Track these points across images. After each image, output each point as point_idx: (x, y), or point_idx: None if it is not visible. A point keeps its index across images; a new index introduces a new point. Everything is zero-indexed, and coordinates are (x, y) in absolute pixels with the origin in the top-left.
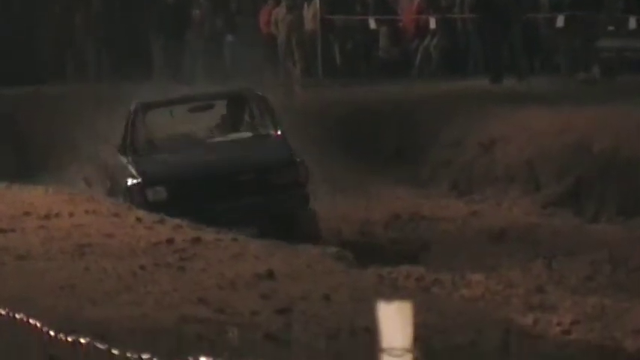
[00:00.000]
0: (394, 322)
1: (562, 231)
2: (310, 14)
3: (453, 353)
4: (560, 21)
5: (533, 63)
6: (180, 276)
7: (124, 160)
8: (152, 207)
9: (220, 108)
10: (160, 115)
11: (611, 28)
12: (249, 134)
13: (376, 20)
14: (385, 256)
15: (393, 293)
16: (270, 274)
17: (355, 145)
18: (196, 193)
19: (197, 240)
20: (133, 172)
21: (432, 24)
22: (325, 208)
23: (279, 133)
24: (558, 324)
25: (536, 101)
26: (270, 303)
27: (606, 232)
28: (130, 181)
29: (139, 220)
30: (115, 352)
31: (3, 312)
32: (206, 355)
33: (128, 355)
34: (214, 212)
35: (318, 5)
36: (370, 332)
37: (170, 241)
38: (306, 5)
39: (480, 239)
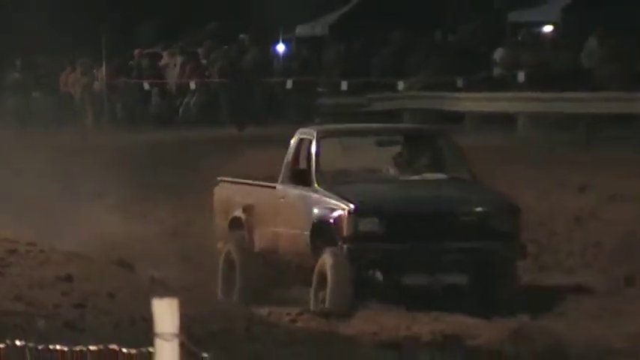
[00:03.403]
0: (165, 314)
1: None
2: (99, 78)
3: (210, 337)
4: (289, 84)
5: (270, 115)
6: (1, 280)
7: (305, 189)
8: (361, 239)
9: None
10: (332, 144)
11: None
12: (443, 175)
13: (149, 83)
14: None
15: (164, 292)
16: (69, 277)
17: (134, 176)
18: (413, 229)
19: (14, 251)
20: (338, 200)
21: (192, 85)
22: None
23: (474, 176)
24: (287, 314)
25: (272, 144)
26: (68, 299)
27: None
28: (334, 211)
29: None
30: None
31: None
32: (20, 339)
33: None
34: (429, 252)
35: (104, 71)
36: (146, 321)
37: None
38: (95, 71)
39: None
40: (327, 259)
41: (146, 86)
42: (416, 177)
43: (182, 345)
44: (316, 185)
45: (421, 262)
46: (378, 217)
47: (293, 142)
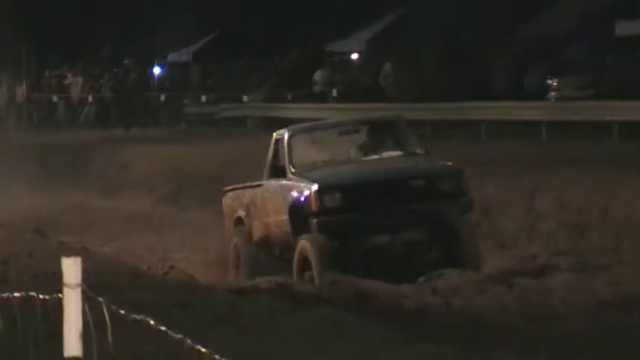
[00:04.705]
0: (70, 269)
1: (166, 215)
2: (20, 92)
3: (103, 286)
4: (162, 97)
5: (149, 120)
6: None
7: (282, 180)
8: (327, 213)
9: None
10: (304, 140)
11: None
12: (399, 152)
13: (57, 96)
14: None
15: (71, 253)
16: None
17: (46, 165)
18: (370, 198)
19: None
20: (306, 183)
21: (90, 99)
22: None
23: (428, 151)
24: (162, 268)
25: (151, 142)
26: None
27: (190, 215)
28: (303, 192)
29: None
30: None
31: None
32: None
33: None
34: (387, 216)
35: (24, 87)
36: (56, 275)
37: None
38: (17, 86)
39: (118, 220)
40: (308, 246)
41: (55, 99)
42: (375, 156)
43: (83, 292)
44: (290, 175)
45: (382, 224)
46: (339, 191)
47: (272, 143)
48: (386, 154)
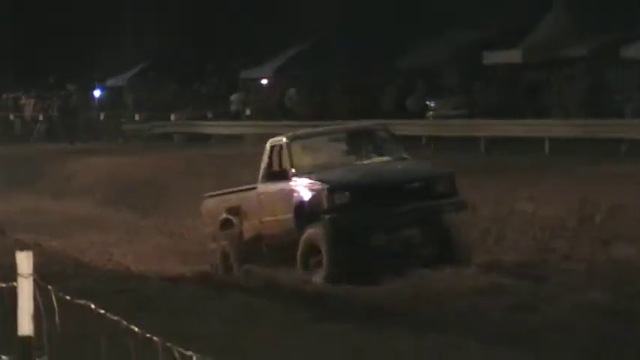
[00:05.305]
0: (24, 261)
1: (106, 215)
2: None
3: (52, 275)
4: (102, 116)
5: (90, 136)
6: None
7: (282, 182)
8: (336, 210)
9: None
10: (300, 145)
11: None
12: (388, 157)
13: (13, 115)
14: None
15: (24, 248)
16: None
17: (7, 175)
18: (374, 198)
19: None
20: (314, 183)
21: (41, 117)
22: None
23: (412, 156)
24: (102, 260)
25: (93, 154)
26: None
27: (126, 216)
28: (311, 191)
29: None
30: None
31: None
32: None
33: None
34: (388, 215)
35: None
36: (12, 267)
37: None
38: None
39: (65, 221)
40: (318, 232)
41: (11, 117)
42: (366, 161)
43: (35, 281)
44: (293, 177)
45: (384, 222)
46: (348, 191)
47: (266, 150)
48: (376, 159)
